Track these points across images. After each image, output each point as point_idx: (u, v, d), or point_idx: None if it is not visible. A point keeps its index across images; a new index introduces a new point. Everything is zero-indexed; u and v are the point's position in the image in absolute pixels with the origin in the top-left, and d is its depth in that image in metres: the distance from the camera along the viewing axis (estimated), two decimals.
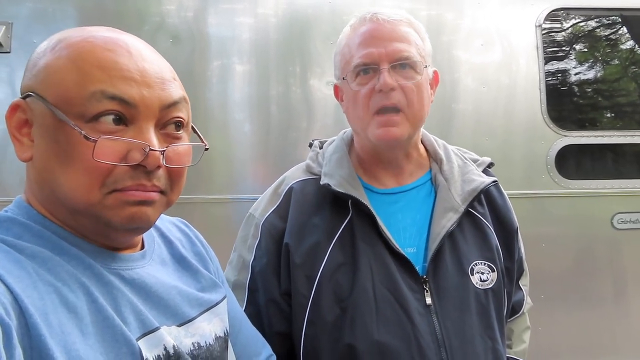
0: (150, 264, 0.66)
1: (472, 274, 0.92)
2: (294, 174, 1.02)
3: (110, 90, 0.55)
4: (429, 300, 0.88)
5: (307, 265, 0.89)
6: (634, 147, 2.23)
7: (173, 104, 0.59)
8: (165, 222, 0.79)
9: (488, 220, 0.99)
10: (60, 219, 0.59)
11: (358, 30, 0.94)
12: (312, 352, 0.88)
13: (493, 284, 0.94)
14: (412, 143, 0.99)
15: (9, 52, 1.82)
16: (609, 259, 2.09)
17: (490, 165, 1.06)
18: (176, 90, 0.61)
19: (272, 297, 0.91)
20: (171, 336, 0.60)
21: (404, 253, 0.90)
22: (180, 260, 0.72)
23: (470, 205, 0.95)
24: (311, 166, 1.01)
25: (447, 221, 0.92)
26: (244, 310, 0.90)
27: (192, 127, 0.66)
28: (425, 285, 0.89)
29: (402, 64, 0.90)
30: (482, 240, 0.96)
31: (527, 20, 2.09)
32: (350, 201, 0.92)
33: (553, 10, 2.11)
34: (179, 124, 0.61)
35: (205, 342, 0.65)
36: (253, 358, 0.79)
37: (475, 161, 1.05)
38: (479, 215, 0.98)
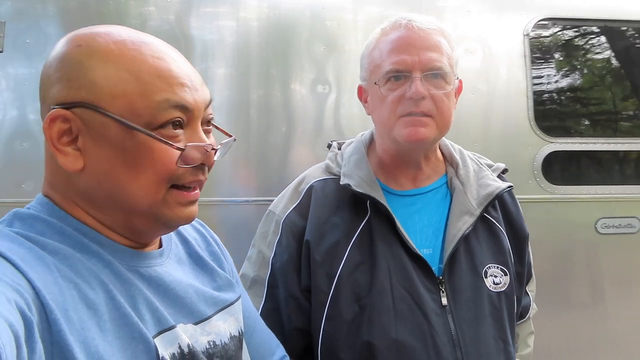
0: (168, 262, 0.67)
1: (486, 277, 0.94)
2: (314, 173, 1.03)
3: (173, 98, 0.58)
4: (444, 301, 0.89)
5: (327, 263, 0.90)
6: (618, 154, 2.29)
7: (209, 102, 0.64)
8: None
9: (501, 224, 1.01)
10: (79, 218, 0.60)
11: (390, 35, 0.94)
12: (330, 348, 0.89)
13: (506, 287, 0.96)
14: (433, 147, 1.01)
15: (1, 52, 1.82)
16: (593, 263, 2.14)
17: (505, 171, 1.08)
18: (207, 89, 0.65)
19: (292, 293, 0.92)
20: (187, 334, 0.61)
21: (421, 254, 0.92)
22: (196, 259, 0.73)
23: (485, 209, 0.97)
24: (330, 166, 1.02)
25: (463, 224, 0.93)
26: (263, 306, 0.91)
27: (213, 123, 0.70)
28: (441, 286, 0.90)
29: (434, 74, 0.91)
30: (495, 245, 0.98)
31: (515, 29, 2.14)
32: (368, 202, 0.93)
33: (540, 20, 2.16)
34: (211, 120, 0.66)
35: (221, 341, 0.67)
36: (267, 358, 0.80)
37: (490, 166, 1.07)
38: (492, 220, 1.00)
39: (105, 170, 0.58)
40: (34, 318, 0.47)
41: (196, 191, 0.63)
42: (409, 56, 0.90)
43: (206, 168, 0.63)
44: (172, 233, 0.74)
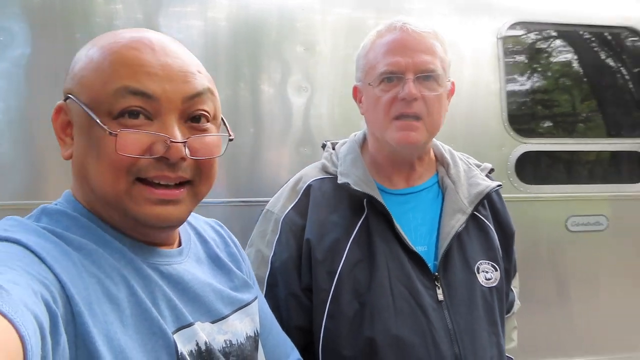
0: (187, 261, 0.67)
1: (478, 273, 0.97)
2: (311, 173, 1.04)
3: (133, 85, 0.57)
4: (440, 297, 0.92)
5: (328, 261, 0.91)
6: (587, 154, 2.37)
7: (196, 96, 0.61)
8: (201, 222, 0.80)
9: (490, 222, 1.04)
10: (98, 214, 0.61)
11: (385, 38, 0.96)
12: (332, 345, 0.90)
13: (497, 282, 0.99)
14: (426, 148, 1.03)
15: None
16: (564, 261, 2.20)
17: (492, 170, 1.12)
18: (200, 82, 0.62)
19: (292, 291, 0.93)
20: (204, 332, 0.62)
21: (417, 251, 0.94)
22: (214, 260, 0.74)
23: (476, 207, 1.00)
24: (327, 166, 1.03)
25: (456, 222, 0.96)
26: None
27: (222, 119, 0.67)
28: (437, 282, 0.93)
29: (427, 76, 0.93)
30: (485, 241, 1.01)
31: (489, 32, 2.19)
32: (365, 200, 0.95)
33: (513, 24, 2.22)
34: (205, 117, 0.62)
35: (237, 341, 0.67)
36: None
37: (478, 166, 1.10)
38: (482, 218, 1.03)
39: (81, 160, 0.60)
40: (59, 310, 0.48)
41: (169, 190, 0.59)
42: (403, 58, 0.92)
43: (186, 164, 0.60)
44: (191, 233, 0.74)
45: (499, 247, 1.04)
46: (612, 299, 2.25)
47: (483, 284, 0.97)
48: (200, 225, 0.79)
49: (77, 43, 1.79)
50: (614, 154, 2.37)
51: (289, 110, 1.96)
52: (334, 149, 1.10)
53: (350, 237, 0.93)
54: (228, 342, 0.65)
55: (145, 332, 0.55)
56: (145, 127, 0.58)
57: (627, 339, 2.29)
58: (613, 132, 2.39)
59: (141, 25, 1.87)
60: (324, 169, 1.04)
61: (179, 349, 0.57)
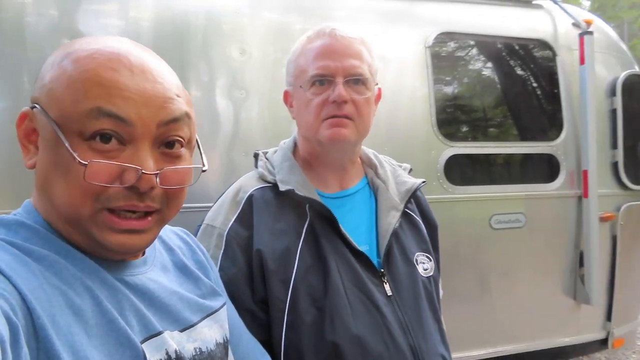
0: (152, 270, 0.66)
1: (417, 264, 1.02)
2: (249, 183, 1.02)
3: (107, 107, 0.54)
4: (389, 292, 0.95)
5: (280, 270, 0.91)
6: (508, 157, 2.56)
7: (172, 121, 0.59)
8: (167, 231, 0.78)
9: (418, 216, 1.10)
10: (57, 229, 0.58)
11: (315, 43, 0.98)
12: (295, 355, 0.89)
13: (433, 271, 1.05)
14: (356, 150, 1.07)
15: None
16: (488, 256, 2.36)
17: (410, 170, 1.18)
18: (178, 107, 0.60)
19: (245, 306, 0.90)
20: (174, 341, 0.60)
21: (362, 250, 0.96)
22: (181, 268, 0.72)
23: (405, 204, 1.05)
24: (265, 175, 1.03)
25: (392, 218, 1.00)
26: None
27: (197, 141, 0.65)
28: (384, 278, 0.96)
29: (356, 80, 0.96)
30: (417, 234, 1.07)
31: (418, 41, 2.30)
32: (307, 205, 0.96)
33: (440, 34, 2.34)
34: (180, 142, 0.60)
35: (207, 348, 0.66)
36: None
37: (400, 166, 1.16)
38: (411, 213, 1.08)
39: (44, 172, 0.57)
40: (20, 322, 0.46)
41: (135, 221, 0.57)
42: (333, 62, 0.95)
43: (155, 192, 0.58)
44: (156, 242, 0.71)
45: (428, 239, 1.10)
46: (529, 290, 2.44)
47: (422, 275, 1.02)
48: (166, 234, 0.77)
49: None
50: (530, 156, 2.57)
51: (215, 113, 1.94)
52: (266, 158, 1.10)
53: (299, 243, 0.94)
54: (198, 350, 0.65)
55: (112, 342, 0.54)
56: (117, 152, 0.55)
57: (543, 326, 2.49)
58: (529, 136, 2.60)
59: (54, 23, 1.77)
60: (262, 178, 1.03)
61: (148, 358, 0.56)
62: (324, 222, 0.96)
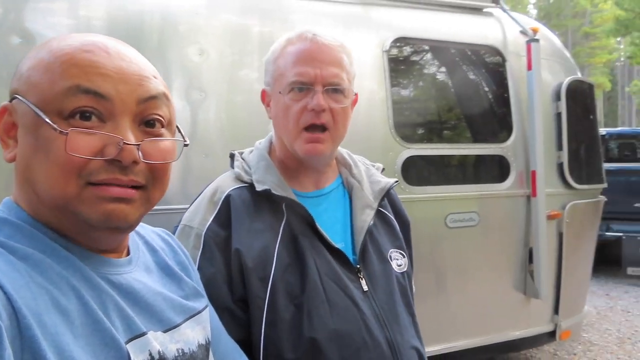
0: (136, 270, 0.65)
1: (391, 261, 1.05)
2: (226, 183, 1.03)
3: (85, 84, 0.55)
4: (365, 287, 0.98)
5: (259, 268, 0.92)
6: (462, 158, 2.65)
7: (151, 99, 0.59)
8: (149, 231, 0.77)
9: (391, 214, 1.13)
10: (44, 220, 0.57)
11: (296, 46, 0.98)
12: (274, 352, 0.90)
13: (406, 267, 1.08)
14: (332, 156, 1.09)
15: None
16: (442, 255, 2.43)
17: (383, 170, 1.21)
18: (155, 86, 0.61)
19: (224, 305, 0.91)
20: (157, 342, 0.60)
21: (339, 247, 0.99)
22: (164, 268, 0.72)
23: (379, 202, 1.08)
24: (241, 175, 1.03)
25: (367, 216, 1.03)
26: None
27: (177, 126, 0.65)
28: (360, 274, 0.99)
29: (335, 89, 0.97)
30: (391, 232, 1.10)
31: (375, 45, 2.36)
32: (284, 204, 0.97)
33: (396, 39, 2.40)
34: (160, 122, 0.61)
35: (189, 349, 0.66)
36: None
37: (373, 166, 1.19)
38: (385, 211, 1.11)
39: (25, 161, 0.57)
40: (4, 323, 0.45)
41: (122, 189, 0.57)
42: (312, 69, 0.96)
43: (139, 167, 0.58)
44: (139, 242, 0.71)
45: (401, 235, 1.14)
46: (483, 286, 2.53)
47: (397, 270, 1.05)
48: (148, 234, 0.76)
49: None
50: (483, 158, 2.68)
51: (176, 117, 1.91)
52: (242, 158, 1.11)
53: (277, 242, 0.95)
54: (180, 351, 0.65)
55: (97, 342, 0.53)
56: (98, 129, 0.56)
57: (496, 321, 2.60)
58: (481, 138, 2.70)
59: (1, 20, 1.70)
60: (239, 178, 1.04)
61: (132, 359, 0.55)
62: (301, 220, 0.98)
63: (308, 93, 0.96)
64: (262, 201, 0.98)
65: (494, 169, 2.67)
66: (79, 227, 0.58)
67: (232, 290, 0.92)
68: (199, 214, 0.99)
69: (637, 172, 6.02)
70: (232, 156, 1.10)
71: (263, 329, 0.90)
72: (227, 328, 0.86)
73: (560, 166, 2.74)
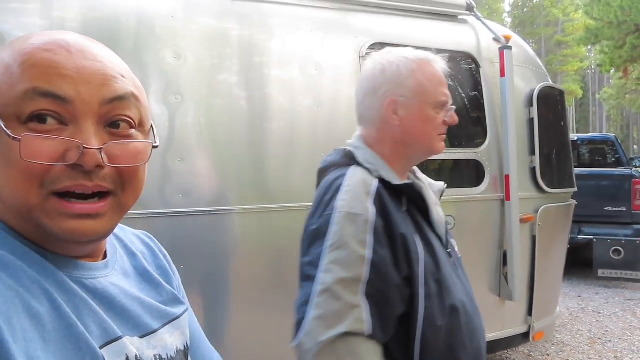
0: (113, 274, 0.63)
1: (455, 246, 1.26)
2: (366, 176, 1.13)
3: (43, 86, 0.52)
4: (454, 265, 1.17)
5: (413, 252, 1.07)
6: (441, 162, 2.69)
7: (116, 99, 0.56)
8: (129, 234, 0.75)
9: None
10: (11, 226, 0.55)
11: (434, 67, 1.16)
12: (430, 321, 1.05)
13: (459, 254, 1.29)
14: None
15: None
16: None
17: None
18: (122, 86, 0.57)
19: (394, 283, 1.03)
20: (134, 347, 0.59)
21: (437, 231, 1.17)
22: (143, 273, 0.70)
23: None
24: (370, 170, 1.15)
25: (439, 210, 1.20)
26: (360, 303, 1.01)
27: (152, 126, 0.63)
28: (449, 256, 1.17)
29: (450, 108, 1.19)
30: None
31: (352, 50, 2.38)
32: (406, 196, 1.13)
33: (373, 44, 2.43)
34: (127, 122, 0.58)
35: (167, 355, 0.65)
36: None
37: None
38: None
39: None
40: None
41: (87, 204, 0.54)
42: (447, 91, 1.17)
43: (105, 172, 0.55)
44: (117, 245, 0.69)
45: None
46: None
47: (459, 254, 1.26)
48: (128, 237, 0.74)
49: None
50: (459, 162, 2.73)
51: (152, 120, 1.90)
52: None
53: (412, 227, 1.10)
54: (158, 357, 0.63)
55: (70, 347, 0.52)
56: (58, 132, 0.53)
57: None
58: (457, 142, 2.75)
59: None
60: (369, 173, 1.15)
61: None
62: (416, 208, 1.14)
63: (445, 108, 1.16)
64: (389, 193, 1.11)
65: (470, 174, 2.72)
66: (46, 237, 0.56)
67: (399, 271, 1.05)
68: (359, 202, 1.07)
69: (608, 177, 6.20)
70: (349, 154, 1.22)
71: (423, 301, 1.05)
72: (396, 304, 1.02)
73: (532, 170, 2.80)
